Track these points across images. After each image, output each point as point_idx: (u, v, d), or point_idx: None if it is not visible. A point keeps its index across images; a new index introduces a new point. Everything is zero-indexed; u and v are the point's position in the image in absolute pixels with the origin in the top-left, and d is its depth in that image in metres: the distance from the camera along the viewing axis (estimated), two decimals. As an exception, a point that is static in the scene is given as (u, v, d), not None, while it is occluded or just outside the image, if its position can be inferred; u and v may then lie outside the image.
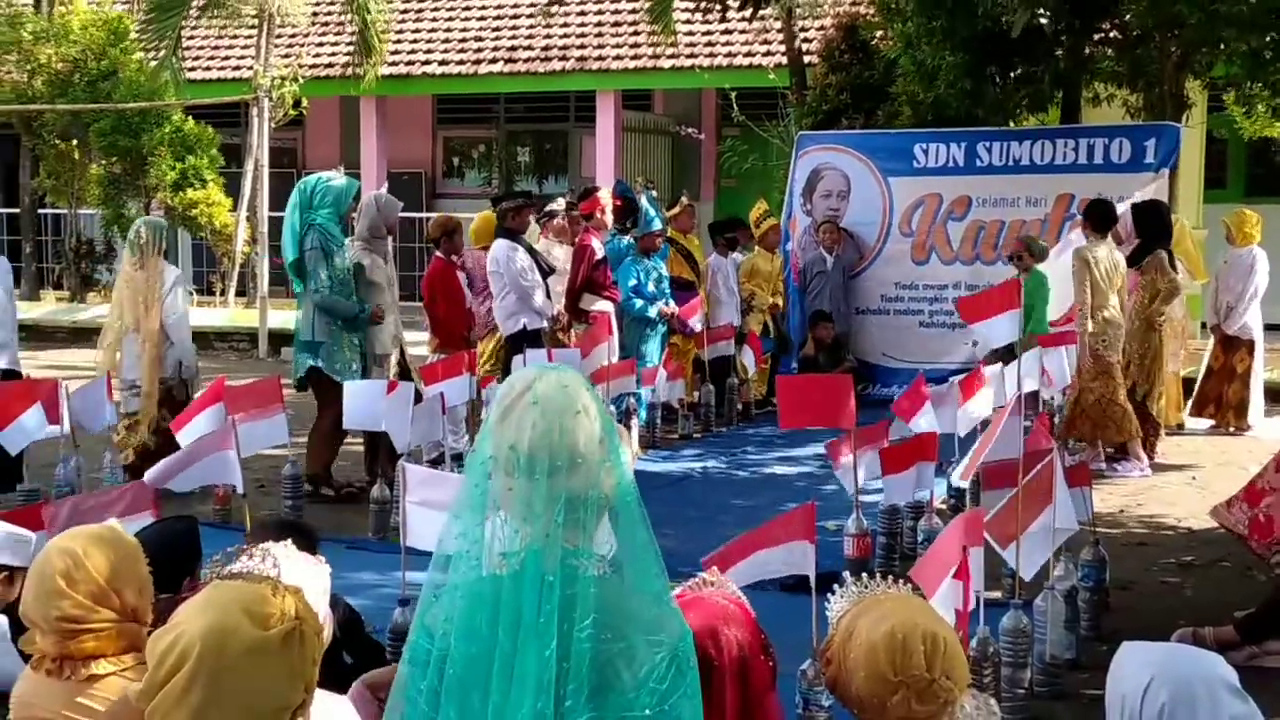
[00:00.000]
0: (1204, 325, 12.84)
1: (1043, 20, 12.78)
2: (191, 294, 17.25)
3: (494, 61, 20.53)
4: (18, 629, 3.59)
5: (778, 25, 17.27)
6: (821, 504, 5.22)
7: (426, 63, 20.83)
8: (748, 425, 11.87)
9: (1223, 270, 11.58)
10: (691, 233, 12.84)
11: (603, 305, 10.46)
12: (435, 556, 2.37)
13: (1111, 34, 13.56)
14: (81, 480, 7.83)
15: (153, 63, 19.20)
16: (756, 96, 18.31)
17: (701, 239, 13.52)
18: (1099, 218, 9.91)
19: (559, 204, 11.31)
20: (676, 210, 12.63)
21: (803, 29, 17.74)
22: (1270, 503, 6.02)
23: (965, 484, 7.12)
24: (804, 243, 13.51)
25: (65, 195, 20.73)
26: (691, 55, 19.54)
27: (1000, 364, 8.79)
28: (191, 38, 21.24)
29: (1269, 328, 11.96)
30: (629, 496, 2.32)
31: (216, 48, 22.13)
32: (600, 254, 10.56)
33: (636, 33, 19.94)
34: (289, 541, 2.98)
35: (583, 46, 20.34)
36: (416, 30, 21.47)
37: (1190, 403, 11.66)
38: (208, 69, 21.90)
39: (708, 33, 19.58)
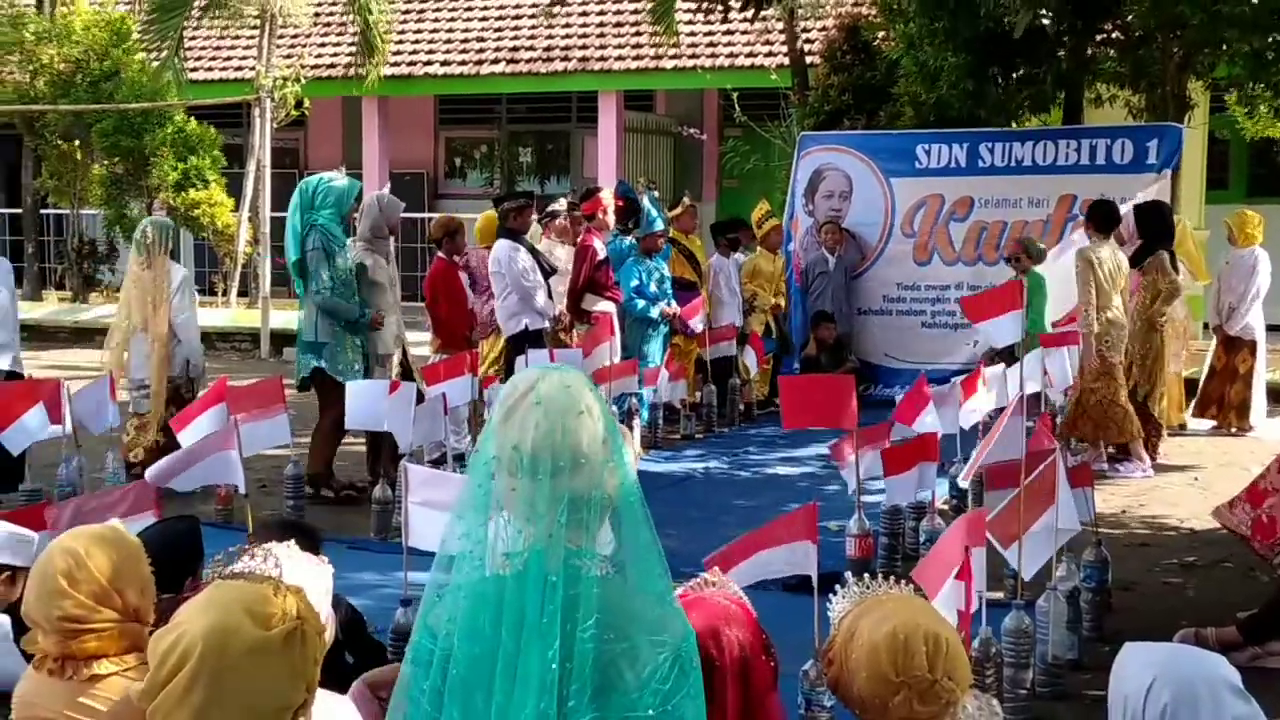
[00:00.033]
0: (1206, 326, 12.84)
1: (1045, 21, 12.78)
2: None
3: (496, 62, 20.54)
4: (20, 629, 3.59)
5: (780, 26, 17.27)
6: (823, 504, 5.22)
7: (428, 63, 20.83)
8: (750, 426, 11.88)
9: (1225, 271, 11.58)
10: (693, 233, 12.84)
11: (605, 306, 10.46)
12: (438, 557, 2.37)
13: (1114, 35, 13.56)
14: (83, 481, 7.83)
15: (155, 63, 19.21)
16: (758, 97, 18.31)
17: (703, 239, 13.52)
18: (1102, 218, 9.91)
19: (561, 204, 11.32)
20: (678, 211, 12.62)
21: (805, 29, 17.74)
22: (1273, 503, 6.01)
23: (967, 484, 7.11)
24: (806, 243, 13.50)
25: (67, 196, 20.74)
26: (693, 56, 19.54)
27: (1002, 364, 8.80)
28: (193, 38, 21.25)
29: (1271, 328, 11.96)
30: (632, 497, 2.32)
31: (219, 48, 22.14)
32: (602, 254, 10.55)
33: (638, 33, 19.94)
34: (292, 542, 2.98)
35: (585, 47, 20.35)
36: (418, 31, 21.47)
37: (1193, 404, 11.66)
38: (210, 69, 21.90)
39: (710, 33, 19.57)
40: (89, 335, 18.15)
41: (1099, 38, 13.62)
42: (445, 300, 9.88)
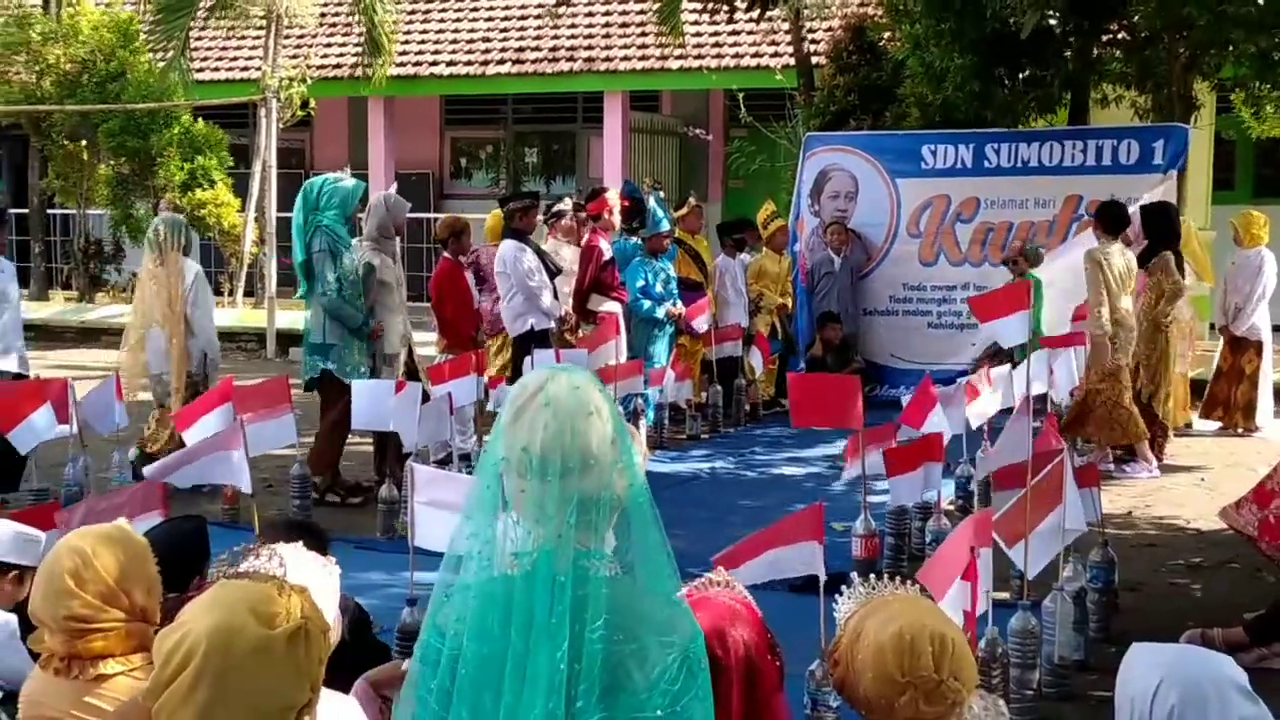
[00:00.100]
0: (1212, 326, 12.83)
1: (1051, 22, 12.76)
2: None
3: (502, 62, 20.55)
4: (27, 628, 3.60)
5: (785, 26, 17.28)
6: (829, 505, 5.22)
7: (434, 64, 20.84)
8: (755, 426, 11.87)
9: (1231, 271, 11.57)
10: (699, 233, 12.84)
11: (610, 306, 10.46)
12: (447, 557, 2.38)
13: (1120, 35, 13.54)
14: (90, 480, 7.85)
15: (161, 64, 19.23)
16: (764, 97, 18.31)
17: (709, 240, 13.52)
18: (1111, 219, 9.88)
19: (566, 204, 11.33)
20: (684, 211, 12.63)
21: (810, 30, 17.72)
22: None
23: (975, 486, 7.12)
24: (811, 244, 13.50)
25: (74, 196, 20.77)
26: (699, 56, 19.54)
27: (1008, 365, 8.79)
28: (200, 39, 21.28)
29: (1277, 329, 11.94)
30: (641, 498, 2.32)
31: (225, 49, 22.16)
32: (608, 255, 10.55)
33: (644, 34, 19.94)
34: (299, 543, 2.98)
35: (590, 47, 20.35)
36: (424, 31, 21.49)
37: (1201, 405, 11.64)
38: (216, 70, 21.93)
39: (715, 34, 19.57)
40: (95, 335, 18.19)
41: (1105, 38, 13.60)
42: (451, 300, 9.89)
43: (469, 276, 10.16)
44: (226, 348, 17.00)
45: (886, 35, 15.85)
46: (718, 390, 11.59)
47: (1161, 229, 10.03)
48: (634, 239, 11.10)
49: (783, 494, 9.06)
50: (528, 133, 22.84)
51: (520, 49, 20.64)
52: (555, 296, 10.05)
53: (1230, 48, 11.91)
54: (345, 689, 3.07)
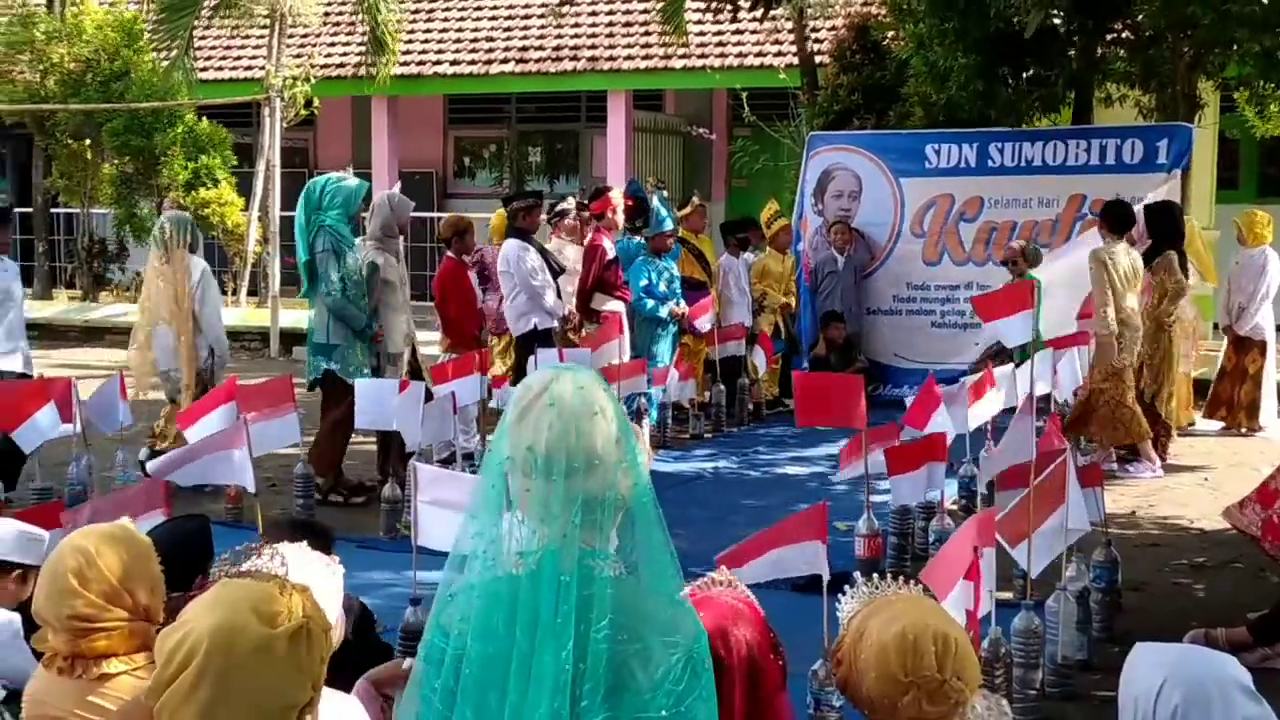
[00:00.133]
0: (1216, 326, 12.81)
1: (1055, 21, 12.75)
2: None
3: (505, 61, 20.55)
4: (30, 627, 3.60)
5: (789, 25, 17.26)
6: (833, 504, 5.22)
7: (438, 63, 20.85)
8: (759, 425, 11.87)
9: (1234, 271, 11.56)
10: (703, 233, 12.84)
11: (614, 305, 10.46)
12: (451, 556, 2.38)
13: (1124, 34, 13.52)
14: (93, 479, 7.86)
15: (164, 63, 19.24)
16: (768, 97, 18.30)
17: (713, 239, 13.51)
18: (1116, 219, 9.86)
19: (569, 204, 11.33)
20: (688, 210, 12.63)
21: (814, 29, 17.71)
22: (1283, 504, 6.01)
23: (978, 486, 7.12)
24: (815, 243, 13.49)
25: (78, 195, 20.79)
26: (703, 55, 19.53)
27: (1011, 365, 8.78)
28: (204, 38, 21.27)
29: (1281, 328, 11.93)
30: (646, 498, 2.32)
31: (229, 48, 22.17)
32: (611, 254, 10.55)
33: (648, 33, 19.94)
34: (304, 542, 2.98)
35: (594, 47, 20.35)
36: (428, 30, 21.49)
37: (1205, 405, 11.63)
38: (219, 69, 21.93)
39: (719, 33, 19.56)
40: (99, 334, 18.21)
41: (1109, 37, 13.59)
42: (454, 300, 9.89)
43: (473, 276, 10.16)
44: (230, 347, 17.07)
45: (890, 34, 15.85)
46: (721, 390, 11.59)
47: (1165, 228, 10.02)
48: (637, 238, 11.10)
49: (786, 493, 9.05)
50: (531, 132, 22.84)
51: (524, 48, 20.64)
52: (558, 296, 10.06)
53: (1235, 47, 11.90)
54: (348, 688, 3.07)
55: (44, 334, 16.97)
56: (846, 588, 2.92)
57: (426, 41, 21.25)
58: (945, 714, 2.65)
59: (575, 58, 20.25)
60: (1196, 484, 9.59)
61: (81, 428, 7.68)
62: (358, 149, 21.66)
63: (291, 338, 16.37)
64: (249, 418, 6.81)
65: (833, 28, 17.83)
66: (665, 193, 12.00)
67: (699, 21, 18.76)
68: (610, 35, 20.48)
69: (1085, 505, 5.67)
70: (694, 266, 12.10)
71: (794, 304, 13.18)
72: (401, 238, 9.43)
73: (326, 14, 21.01)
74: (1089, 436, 9.72)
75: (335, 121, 22.16)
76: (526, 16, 21.09)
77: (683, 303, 11.17)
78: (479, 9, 21.62)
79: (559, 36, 20.50)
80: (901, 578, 2.93)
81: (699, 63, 19.44)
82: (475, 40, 21.05)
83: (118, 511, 4.80)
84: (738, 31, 19.28)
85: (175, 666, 2.32)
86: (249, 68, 21.33)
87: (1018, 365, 8.50)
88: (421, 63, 20.85)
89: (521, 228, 9.99)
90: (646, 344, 10.94)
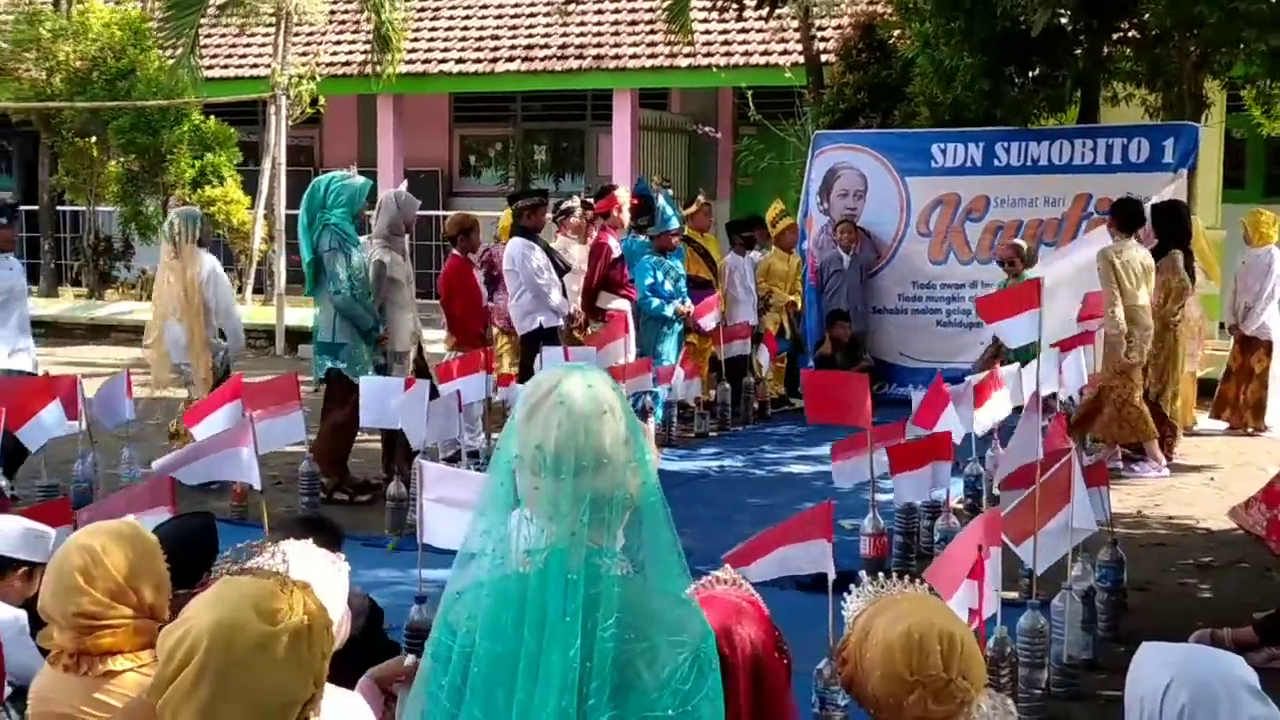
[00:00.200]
0: (1222, 326, 12.80)
1: (1061, 20, 12.74)
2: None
3: (511, 60, 20.55)
4: (36, 624, 3.61)
5: (795, 24, 17.25)
6: (838, 503, 5.22)
7: (443, 61, 20.85)
8: (764, 424, 11.88)
9: (1240, 271, 11.54)
10: (708, 231, 12.84)
11: (619, 304, 10.45)
12: (459, 554, 2.38)
13: (1130, 34, 13.51)
14: (99, 476, 7.87)
15: (170, 61, 19.26)
16: (773, 95, 18.30)
17: (718, 238, 13.51)
18: (1125, 217, 9.84)
19: (575, 202, 11.33)
20: (693, 209, 12.62)
21: (820, 28, 17.72)
22: (1289, 504, 6.00)
23: (985, 486, 7.11)
24: (821, 242, 13.49)
25: (84, 192, 20.82)
26: (708, 54, 19.53)
27: (1017, 364, 8.77)
28: (209, 36, 21.30)
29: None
30: (654, 497, 2.32)
31: (234, 46, 22.20)
32: (617, 252, 10.54)
33: (653, 31, 19.94)
34: (309, 540, 2.98)
35: (599, 45, 20.35)
36: (433, 29, 21.50)
37: (1211, 405, 11.61)
38: (225, 67, 21.96)
39: (724, 31, 19.56)
40: (104, 332, 18.23)
41: (1115, 36, 13.57)
42: (459, 298, 9.90)
43: (479, 274, 10.16)
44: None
45: (896, 33, 15.83)
46: (726, 388, 11.59)
47: (1172, 228, 10.01)
48: (643, 237, 11.09)
49: (791, 492, 9.06)
50: (537, 130, 22.85)
51: (529, 47, 20.65)
52: (564, 294, 10.06)
53: (1241, 46, 11.89)
54: (353, 685, 3.07)
55: (50, 331, 16.99)
56: (852, 586, 2.92)
57: (432, 40, 21.26)
58: (951, 713, 2.65)
59: (581, 56, 20.26)
60: (1202, 484, 9.58)
61: (87, 425, 7.68)
62: (363, 147, 21.68)
63: (297, 336, 16.38)
64: (255, 415, 6.82)
65: (838, 26, 17.83)
66: (670, 191, 12.00)
67: (704, 20, 18.73)
68: (616, 34, 20.48)
69: (1091, 505, 5.67)
70: (699, 265, 12.10)
71: (799, 303, 13.18)
72: (407, 235, 9.43)
73: (332, 12, 21.01)
74: (1095, 435, 9.71)
75: (341, 120, 22.17)
76: (532, 15, 21.10)
77: (688, 301, 11.17)
78: (484, 7, 21.63)
79: (564, 35, 20.51)
80: (907, 577, 2.92)
81: (704, 61, 19.45)
82: (481, 39, 21.06)
83: (124, 509, 4.81)
84: (743, 30, 19.27)
85: (176, 664, 2.32)
86: (255, 66, 21.35)
87: (1023, 365, 8.49)
88: (427, 61, 20.86)
89: (527, 226, 9.99)
90: (652, 343, 10.93)
